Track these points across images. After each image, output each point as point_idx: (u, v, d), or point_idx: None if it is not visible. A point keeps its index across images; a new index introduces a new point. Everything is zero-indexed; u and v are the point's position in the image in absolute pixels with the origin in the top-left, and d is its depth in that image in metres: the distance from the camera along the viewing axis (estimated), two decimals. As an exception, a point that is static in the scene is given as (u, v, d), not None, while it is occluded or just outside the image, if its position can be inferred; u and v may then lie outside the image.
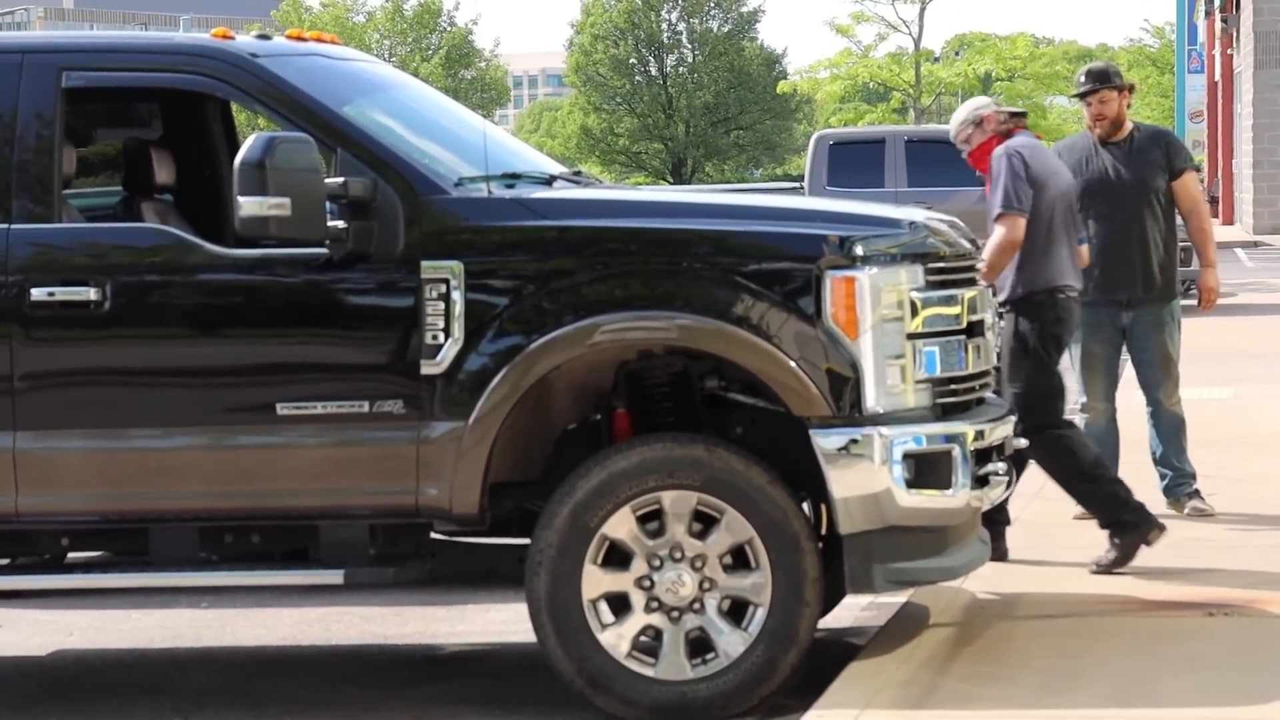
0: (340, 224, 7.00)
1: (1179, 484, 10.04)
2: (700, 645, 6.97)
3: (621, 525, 6.95)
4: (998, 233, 8.76)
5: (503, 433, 6.95)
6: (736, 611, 6.97)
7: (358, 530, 7.11)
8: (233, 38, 7.53)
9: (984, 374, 7.36)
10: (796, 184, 29.92)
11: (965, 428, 7.03)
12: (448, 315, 6.94)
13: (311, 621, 9.00)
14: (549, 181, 7.75)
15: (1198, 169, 10.54)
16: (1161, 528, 8.72)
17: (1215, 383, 15.20)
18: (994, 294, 8.57)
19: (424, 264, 6.96)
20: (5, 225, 7.18)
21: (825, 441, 6.85)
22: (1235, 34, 52.31)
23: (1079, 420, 9.76)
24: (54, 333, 7.15)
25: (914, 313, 6.94)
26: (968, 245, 7.47)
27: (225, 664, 8.47)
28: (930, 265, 7.06)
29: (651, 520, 6.97)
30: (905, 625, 7.88)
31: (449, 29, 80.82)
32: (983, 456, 7.13)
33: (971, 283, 7.31)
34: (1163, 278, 9.93)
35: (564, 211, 7.19)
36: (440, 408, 6.94)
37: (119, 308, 7.11)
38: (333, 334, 7.10)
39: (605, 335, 6.92)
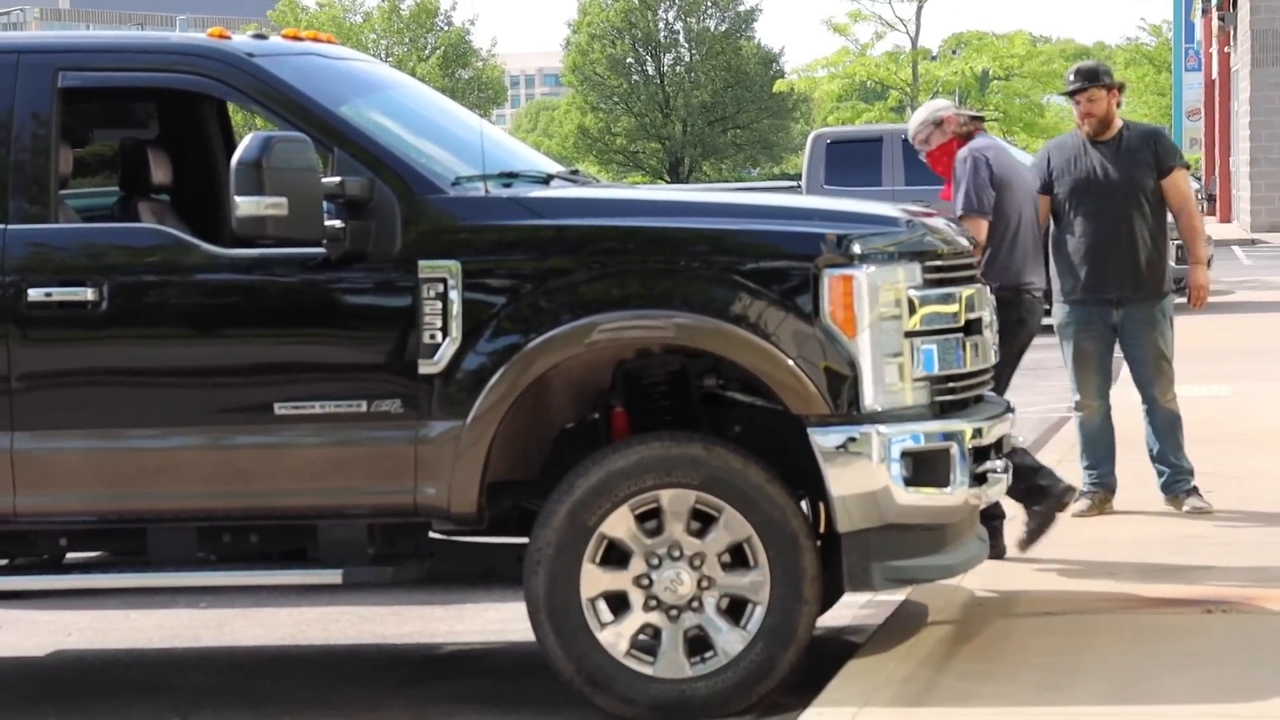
0: (337, 224, 6.99)
1: (1177, 481, 10.04)
2: (699, 644, 6.97)
3: (620, 524, 6.94)
4: None
5: (501, 432, 6.95)
6: (735, 610, 6.97)
7: (356, 530, 7.11)
8: (229, 37, 7.53)
9: (982, 372, 7.36)
10: (794, 183, 29.91)
11: (963, 425, 7.03)
12: (445, 315, 6.93)
13: (310, 621, 8.99)
14: (546, 181, 7.75)
15: (1188, 167, 10.54)
16: (1073, 489, 9.00)
17: (1213, 380, 15.21)
18: None
19: (421, 263, 6.96)
20: (2, 226, 7.17)
21: (823, 440, 6.85)
22: (1232, 32, 52.34)
23: (1073, 418, 9.76)
24: (51, 333, 7.14)
25: (912, 311, 6.94)
26: (965, 243, 7.47)
27: (224, 664, 8.47)
28: (928, 263, 7.06)
29: (650, 519, 6.96)
30: (904, 623, 7.88)
31: (446, 29, 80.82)
32: (981, 454, 7.13)
33: (970, 280, 7.31)
34: (1152, 276, 9.94)
35: (561, 210, 7.18)
36: (438, 407, 6.93)
37: (116, 308, 7.10)
38: (330, 334, 7.09)
39: (603, 334, 6.92)
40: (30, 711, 7.70)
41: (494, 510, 7.12)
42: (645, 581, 6.96)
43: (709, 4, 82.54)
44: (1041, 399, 14.74)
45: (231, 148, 8.06)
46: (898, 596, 8.20)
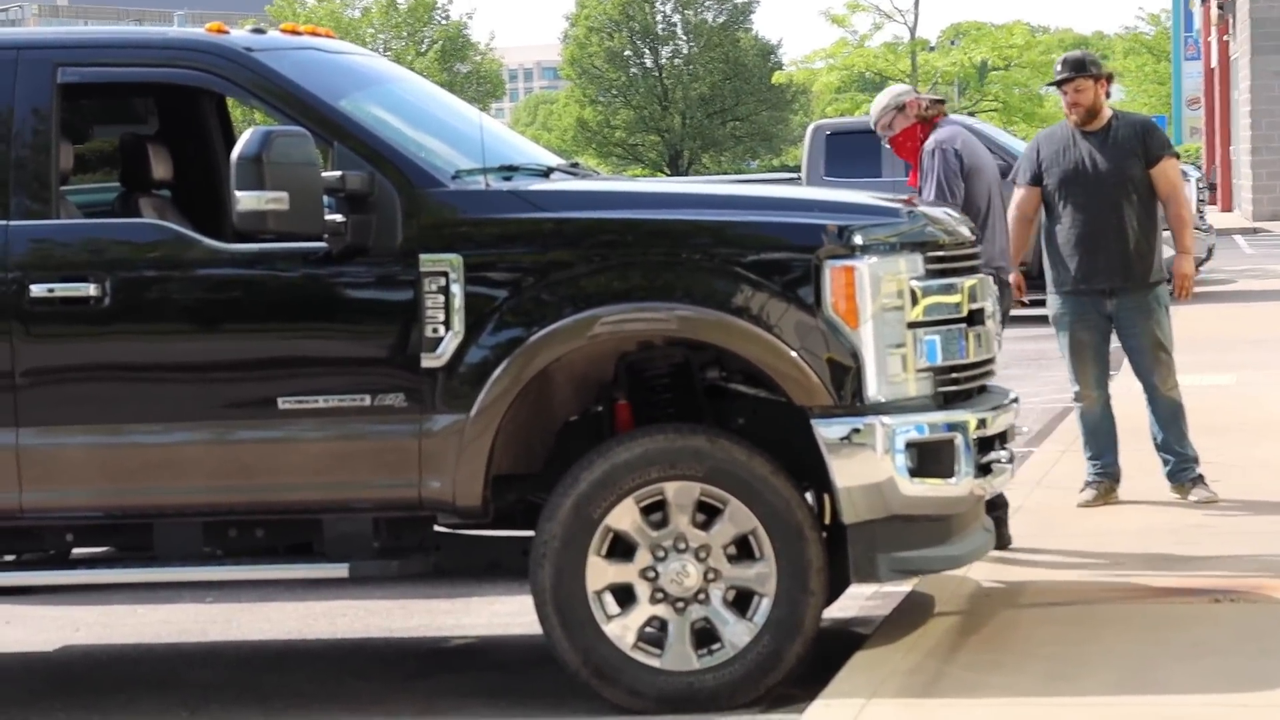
0: (338, 218, 6.98)
1: (1182, 469, 10.03)
2: (706, 636, 6.96)
3: (625, 516, 6.93)
4: None
5: (504, 425, 6.94)
6: (741, 602, 6.96)
7: (361, 524, 7.10)
8: (227, 32, 7.52)
9: (986, 362, 7.34)
10: (794, 174, 29.90)
11: (967, 416, 7.02)
12: (447, 308, 6.93)
13: (317, 615, 8.99)
14: (546, 174, 7.74)
15: (1178, 156, 10.52)
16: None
17: (1217, 369, 15.18)
18: None
19: (423, 257, 6.95)
20: (4, 222, 7.17)
21: (827, 431, 6.84)
22: (1232, 20, 52.29)
23: (1074, 409, 9.73)
24: (54, 329, 7.14)
25: (914, 301, 6.92)
26: (967, 233, 7.46)
27: (231, 659, 8.47)
28: (930, 254, 7.05)
29: (655, 511, 6.95)
30: (910, 614, 7.87)
31: (444, 23, 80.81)
32: (985, 444, 7.12)
33: (972, 271, 7.30)
34: (1142, 265, 9.93)
35: (562, 204, 7.18)
36: (442, 401, 6.93)
37: (118, 303, 7.10)
38: (333, 328, 7.08)
39: (605, 327, 6.91)
40: (38, 707, 7.70)
41: (499, 503, 7.12)
42: (651, 574, 6.95)
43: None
44: (1044, 390, 14.74)
45: (231, 143, 8.06)
46: (904, 588, 8.19)
